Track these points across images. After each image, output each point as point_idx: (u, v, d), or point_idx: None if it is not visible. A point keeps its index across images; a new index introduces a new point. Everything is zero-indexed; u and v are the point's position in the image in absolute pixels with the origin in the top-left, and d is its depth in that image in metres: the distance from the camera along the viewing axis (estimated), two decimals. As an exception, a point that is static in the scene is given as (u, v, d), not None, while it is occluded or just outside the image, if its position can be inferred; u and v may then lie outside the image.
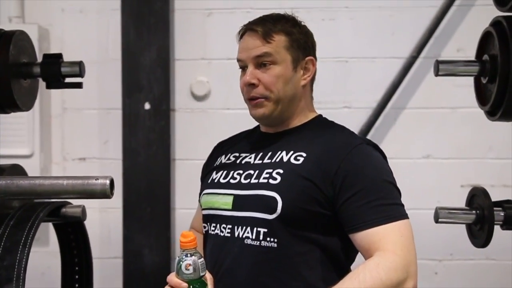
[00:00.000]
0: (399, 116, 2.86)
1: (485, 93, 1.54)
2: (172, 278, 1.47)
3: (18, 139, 2.79)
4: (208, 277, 1.51)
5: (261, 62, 1.57)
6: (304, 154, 1.53)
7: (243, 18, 1.71)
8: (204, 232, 1.64)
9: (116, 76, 2.87)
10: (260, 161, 1.58)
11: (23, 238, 1.34)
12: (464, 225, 1.65)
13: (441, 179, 2.84)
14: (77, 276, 1.65)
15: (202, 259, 1.45)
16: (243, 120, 1.76)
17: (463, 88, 2.64)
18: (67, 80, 1.59)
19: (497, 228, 1.53)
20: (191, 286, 1.45)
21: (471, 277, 2.84)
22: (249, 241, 1.49)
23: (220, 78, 2.89)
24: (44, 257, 2.82)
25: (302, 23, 1.64)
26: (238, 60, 1.62)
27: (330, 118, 1.69)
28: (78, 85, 1.61)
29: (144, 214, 2.85)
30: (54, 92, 2.90)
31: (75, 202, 1.56)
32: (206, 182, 1.68)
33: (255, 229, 1.49)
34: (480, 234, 1.57)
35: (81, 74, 1.56)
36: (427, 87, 2.84)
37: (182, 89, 2.91)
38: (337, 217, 1.48)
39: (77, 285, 1.65)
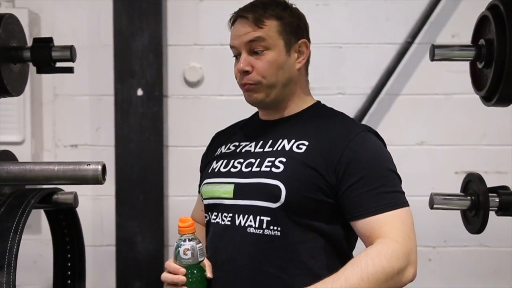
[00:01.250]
0: (394, 102, 2.85)
1: (480, 78, 1.52)
2: (170, 263, 1.46)
3: (8, 126, 2.76)
4: (207, 263, 1.50)
5: (254, 49, 1.56)
6: (306, 143, 1.52)
7: (235, 4, 1.68)
8: (206, 222, 1.63)
9: (108, 62, 2.84)
10: (261, 150, 1.57)
11: (14, 225, 1.32)
12: (458, 212, 1.64)
13: (435, 165, 2.84)
14: (69, 264, 1.64)
15: (201, 244, 1.44)
16: (236, 106, 1.75)
17: (458, 74, 2.63)
18: (58, 64, 1.57)
19: (491, 214, 1.53)
20: (189, 271, 1.44)
21: (465, 264, 2.85)
22: (252, 230, 1.48)
23: (213, 64, 2.87)
24: (36, 244, 2.81)
25: (293, 6, 1.62)
26: (232, 47, 1.61)
27: (325, 105, 1.68)
28: (69, 70, 1.58)
29: (137, 201, 2.84)
30: (45, 78, 2.88)
31: (67, 189, 1.54)
32: (206, 172, 1.67)
33: (258, 217, 1.48)
34: (475, 220, 1.57)
35: (72, 58, 1.54)
36: (422, 73, 2.83)
37: (175, 75, 2.89)
38: (339, 204, 1.48)
39: (69, 273, 1.63)
